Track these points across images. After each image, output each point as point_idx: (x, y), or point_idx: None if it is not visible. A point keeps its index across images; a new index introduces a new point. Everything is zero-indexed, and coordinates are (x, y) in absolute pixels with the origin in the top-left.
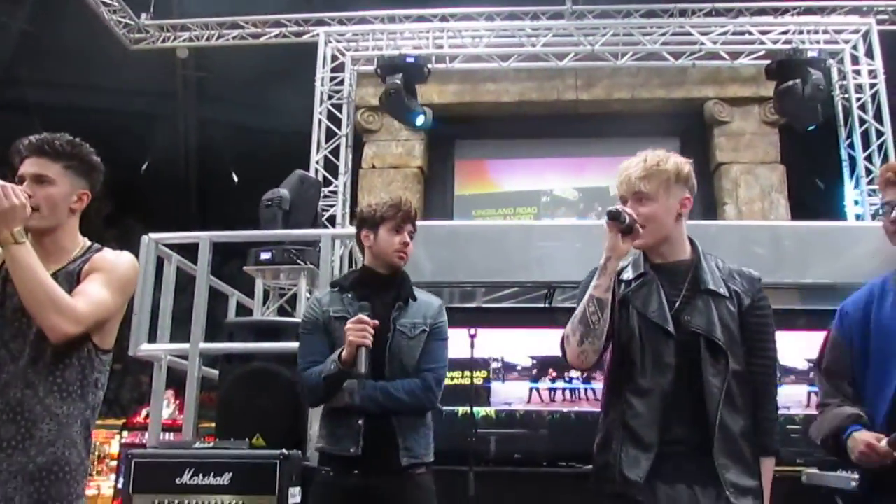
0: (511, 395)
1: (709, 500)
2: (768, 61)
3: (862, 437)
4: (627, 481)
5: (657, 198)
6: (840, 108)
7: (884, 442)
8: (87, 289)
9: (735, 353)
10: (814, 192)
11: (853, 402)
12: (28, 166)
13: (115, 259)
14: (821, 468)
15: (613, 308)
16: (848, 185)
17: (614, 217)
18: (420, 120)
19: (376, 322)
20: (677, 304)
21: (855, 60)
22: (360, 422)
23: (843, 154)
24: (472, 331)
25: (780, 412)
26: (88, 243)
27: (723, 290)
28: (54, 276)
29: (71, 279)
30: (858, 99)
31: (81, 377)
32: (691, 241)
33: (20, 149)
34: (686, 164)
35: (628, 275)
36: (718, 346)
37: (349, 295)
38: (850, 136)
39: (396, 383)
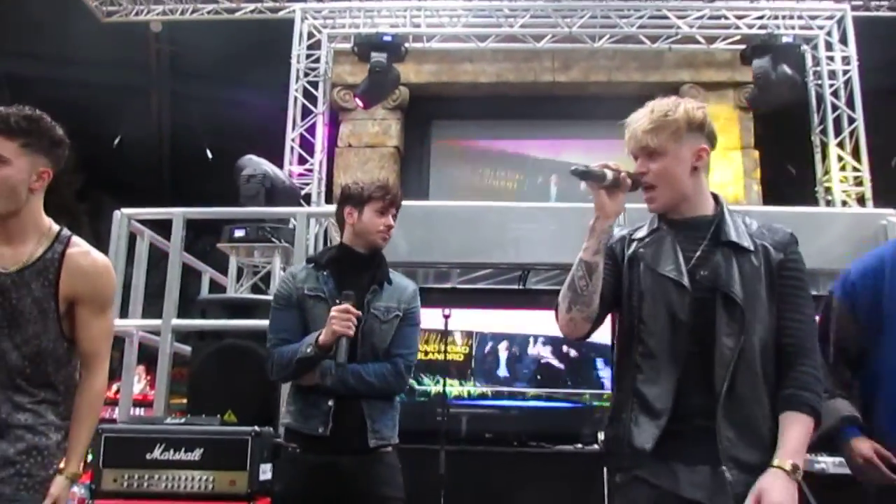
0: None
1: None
2: (744, 46)
3: (860, 450)
4: (636, 451)
5: (667, 151)
6: (813, 94)
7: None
8: (96, 340)
9: (757, 312)
10: (786, 177)
11: (848, 393)
12: None
13: (97, 278)
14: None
15: (621, 272)
16: (819, 170)
17: (585, 176)
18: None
19: (359, 313)
20: (694, 259)
21: (829, 46)
22: (330, 403)
23: (815, 140)
24: (447, 311)
25: None
26: (55, 229)
27: (747, 244)
28: (21, 271)
29: (44, 281)
30: (831, 85)
31: (55, 371)
32: (715, 197)
33: None
34: (699, 111)
35: (642, 233)
36: (735, 303)
37: (325, 273)
38: (822, 122)
39: (368, 367)
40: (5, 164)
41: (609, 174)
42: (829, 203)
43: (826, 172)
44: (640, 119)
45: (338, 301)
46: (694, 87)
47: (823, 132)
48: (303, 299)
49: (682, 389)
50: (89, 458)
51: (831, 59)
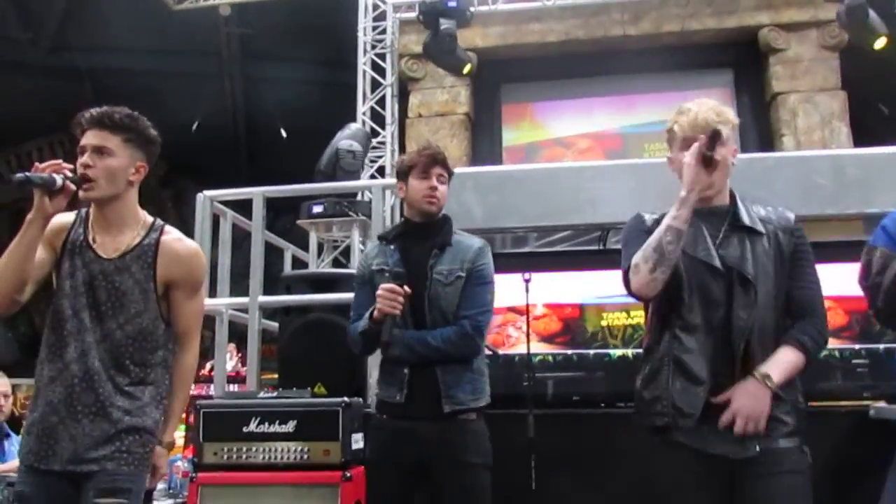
0: None
1: (754, 443)
2: None
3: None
4: (681, 413)
5: (729, 141)
6: None
7: None
8: (189, 319)
9: (767, 289)
10: (878, 117)
11: None
12: (89, 138)
13: (189, 262)
14: (889, 402)
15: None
16: None
17: (713, 141)
18: (467, 68)
19: (408, 290)
20: (717, 242)
21: None
22: (406, 370)
23: None
24: (527, 275)
25: (843, 347)
26: (150, 219)
27: (759, 227)
28: (122, 256)
29: (143, 264)
30: None
31: (153, 352)
32: (730, 190)
33: (81, 121)
34: (736, 116)
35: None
36: (747, 280)
37: (391, 247)
38: None
39: (435, 332)
40: (111, 155)
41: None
42: None
43: None
44: (704, 110)
45: (387, 276)
46: (774, 29)
47: None
48: (372, 275)
49: (712, 360)
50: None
51: None
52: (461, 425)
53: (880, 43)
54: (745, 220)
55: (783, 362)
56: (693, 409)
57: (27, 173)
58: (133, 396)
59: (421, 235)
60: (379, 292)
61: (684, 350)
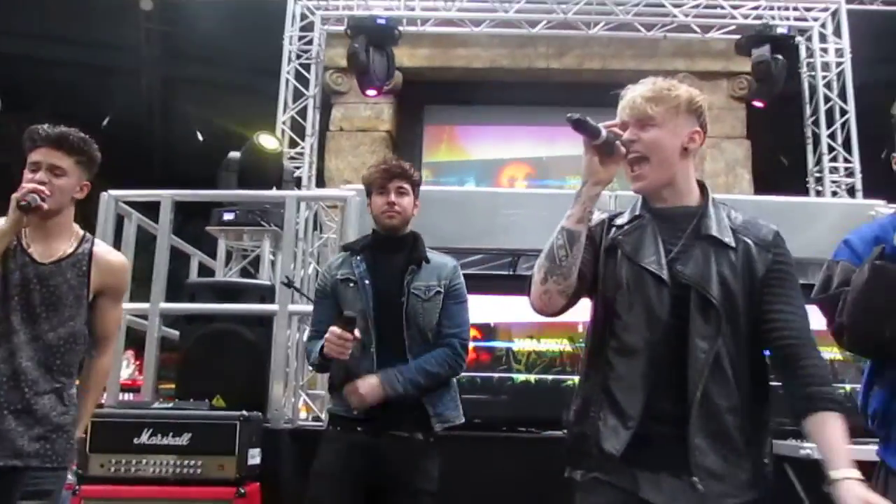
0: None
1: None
2: (738, 36)
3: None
4: (603, 454)
5: (663, 123)
6: (806, 85)
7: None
8: (111, 324)
9: (732, 315)
10: (778, 168)
11: None
12: (45, 156)
13: (120, 273)
14: (777, 437)
15: (599, 256)
16: (811, 161)
17: (579, 125)
18: (371, 92)
19: (358, 336)
20: (673, 252)
21: (823, 38)
22: None
23: (808, 131)
24: None
25: None
26: (81, 231)
27: (728, 239)
28: (58, 262)
29: (78, 271)
30: (824, 77)
31: (79, 355)
32: (702, 187)
33: (34, 137)
34: (700, 96)
35: (622, 219)
36: (710, 303)
37: (358, 258)
38: (814, 113)
39: (429, 359)
40: (64, 174)
41: (604, 132)
42: (819, 194)
43: (817, 163)
44: (639, 88)
45: (337, 317)
46: (688, 76)
47: (815, 123)
48: (335, 285)
49: (653, 392)
50: None
51: (825, 50)
52: (420, 447)
53: (759, 104)
54: (713, 228)
55: (847, 444)
56: (615, 449)
57: (27, 199)
58: (55, 396)
59: (390, 248)
60: (327, 336)
61: (616, 378)
